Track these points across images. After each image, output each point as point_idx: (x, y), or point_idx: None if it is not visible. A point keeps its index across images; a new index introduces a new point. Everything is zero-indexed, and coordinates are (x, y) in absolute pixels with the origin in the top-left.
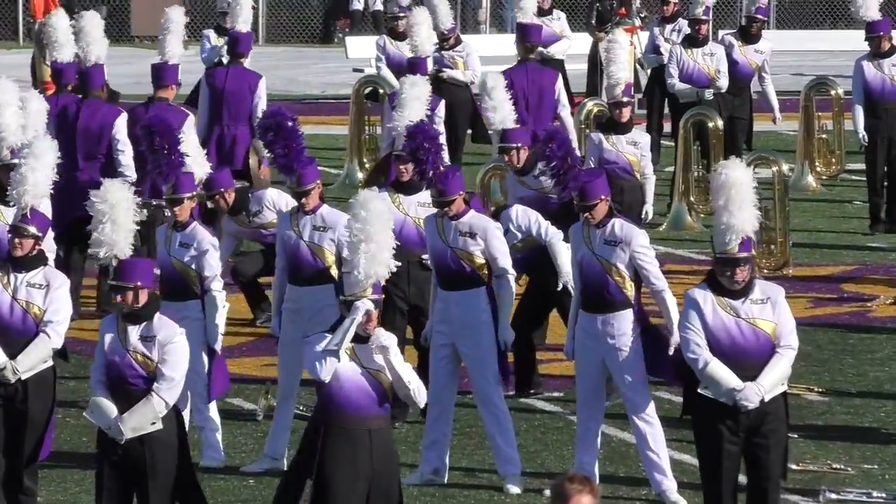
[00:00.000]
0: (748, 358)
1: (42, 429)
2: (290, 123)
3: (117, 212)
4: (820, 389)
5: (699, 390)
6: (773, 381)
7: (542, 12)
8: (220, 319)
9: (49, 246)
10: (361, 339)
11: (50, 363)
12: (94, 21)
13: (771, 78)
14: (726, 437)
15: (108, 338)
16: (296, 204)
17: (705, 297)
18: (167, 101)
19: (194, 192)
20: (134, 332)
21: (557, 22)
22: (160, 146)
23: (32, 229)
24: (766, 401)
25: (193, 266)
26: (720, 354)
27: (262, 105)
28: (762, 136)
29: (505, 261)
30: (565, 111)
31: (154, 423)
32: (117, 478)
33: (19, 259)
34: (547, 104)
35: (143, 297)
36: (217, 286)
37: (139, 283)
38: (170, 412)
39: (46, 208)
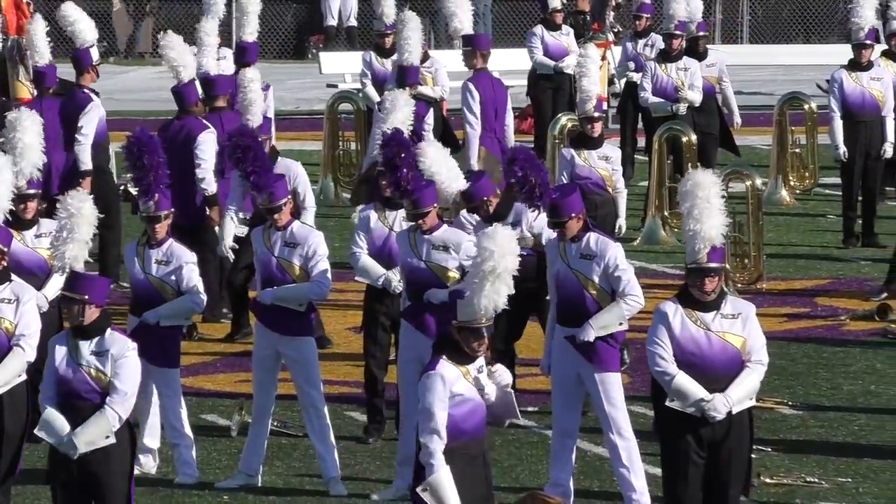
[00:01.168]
0: (716, 371)
1: (17, 444)
2: (256, 142)
3: (79, 223)
4: (794, 403)
5: (667, 403)
6: (741, 393)
7: (553, 27)
8: (185, 314)
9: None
10: (470, 358)
11: (24, 377)
12: (180, 44)
13: (731, 84)
14: (692, 447)
15: (58, 354)
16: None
17: (675, 311)
18: (228, 110)
19: (171, 210)
20: (86, 347)
21: (566, 37)
22: (147, 164)
23: None
24: (733, 413)
25: (173, 280)
26: (688, 366)
27: (269, 114)
28: None
29: None
30: (511, 123)
31: (108, 437)
32: (68, 498)
33: None
34: (503, 114)
35: (92, 313)
36: (200, 299)
37: (86, 297)
38: (123, 426)
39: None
